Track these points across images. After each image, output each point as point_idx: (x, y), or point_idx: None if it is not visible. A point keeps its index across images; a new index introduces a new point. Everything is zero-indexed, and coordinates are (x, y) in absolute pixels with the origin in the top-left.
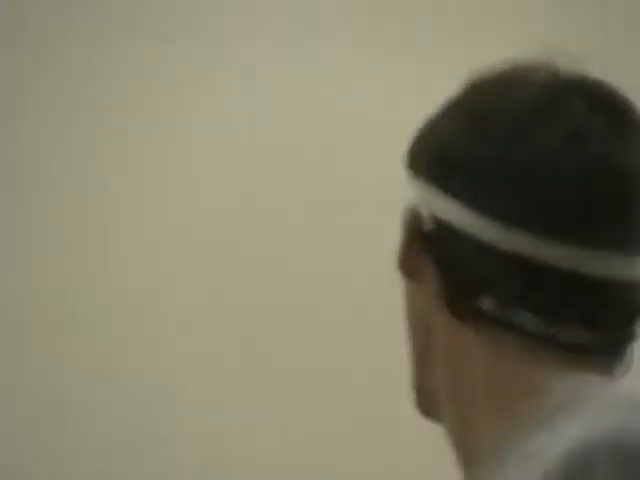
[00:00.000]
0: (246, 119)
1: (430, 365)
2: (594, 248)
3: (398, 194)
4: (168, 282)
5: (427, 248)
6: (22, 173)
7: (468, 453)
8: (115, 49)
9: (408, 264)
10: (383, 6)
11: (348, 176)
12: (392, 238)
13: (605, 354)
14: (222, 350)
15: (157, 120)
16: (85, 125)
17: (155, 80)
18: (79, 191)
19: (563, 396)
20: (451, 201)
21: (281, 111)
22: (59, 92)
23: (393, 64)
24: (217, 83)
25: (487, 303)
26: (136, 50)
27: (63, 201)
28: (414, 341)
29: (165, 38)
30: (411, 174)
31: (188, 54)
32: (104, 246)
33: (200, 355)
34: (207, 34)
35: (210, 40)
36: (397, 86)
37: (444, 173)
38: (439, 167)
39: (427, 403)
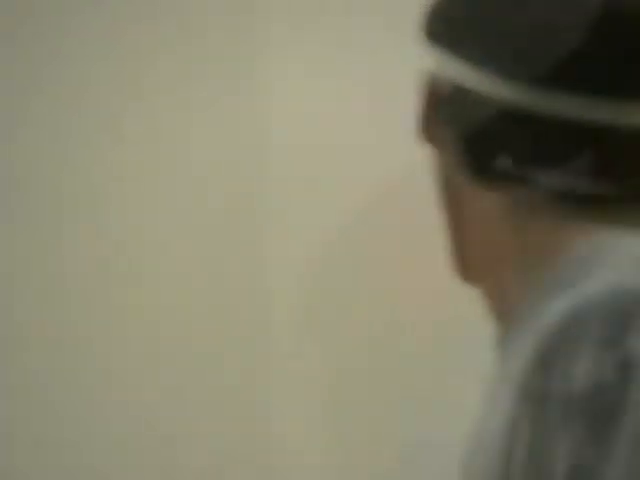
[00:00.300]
0: (247, 120)
1: (463, 233)
2: (605, 96)
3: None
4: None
5: (445, 114)
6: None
7: (500, 312)
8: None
9: (429, 131)
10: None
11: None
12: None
13: (629, 204)
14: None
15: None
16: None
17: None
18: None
19: (584, 253)
20: (466, 64)
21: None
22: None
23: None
24: (216, 82)
25: (504, 162)
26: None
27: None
28: (446, 212)
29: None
30: (428, 42)
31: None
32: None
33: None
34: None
35: (210, 38)
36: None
37: (460, 38)
38: (455, 32)
39: (465, 270)
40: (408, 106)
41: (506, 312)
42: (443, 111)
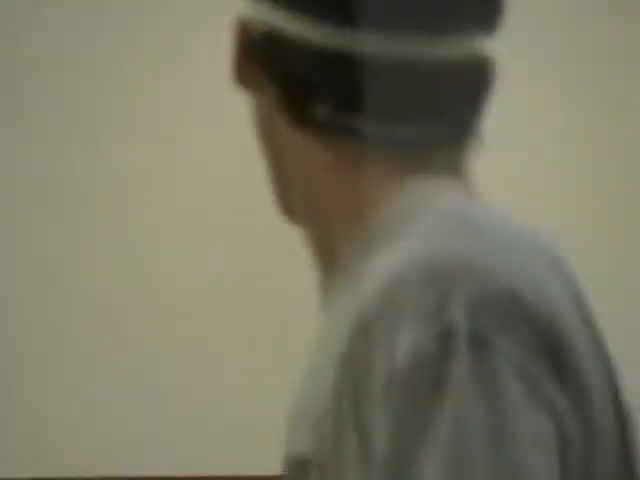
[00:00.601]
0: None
1: (284, 176)
2: (411, 34)
3: None
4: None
5: (259, 58)
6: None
7: (325, 260)
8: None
9: (244, 76)
10: None
11: None
12: None
13: (449, 145)
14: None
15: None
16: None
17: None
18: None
19: (406, 205)
20: (276, 6)
21: None
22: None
23: None
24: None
25: (321, 110)
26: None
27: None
28: (266, 155)
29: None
30: None
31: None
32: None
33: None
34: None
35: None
36: None
37: None
38: None
39: (287, 210)
40: None
41: (331, 261)
42: (257, 55)
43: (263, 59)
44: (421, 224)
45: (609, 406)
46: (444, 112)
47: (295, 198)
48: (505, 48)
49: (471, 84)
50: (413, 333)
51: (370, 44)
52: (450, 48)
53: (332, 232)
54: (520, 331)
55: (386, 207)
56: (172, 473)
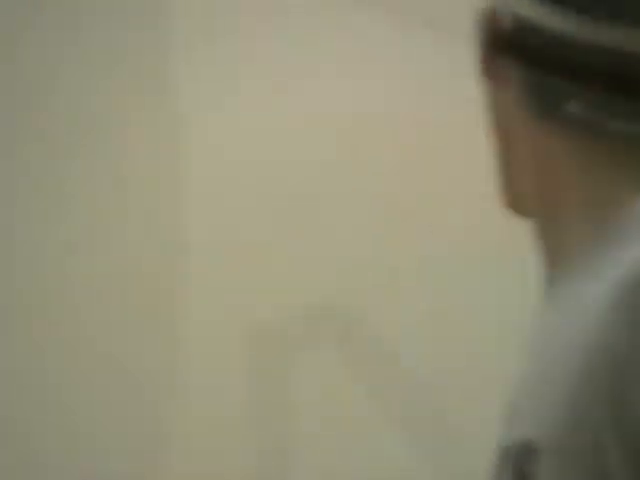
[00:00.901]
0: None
1: (515, 170)
2: None
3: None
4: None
5: (508, 50)
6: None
7: (553, 255)
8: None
9: (489, 68)
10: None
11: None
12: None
13: None
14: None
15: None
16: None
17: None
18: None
19: None
20: (536, 1)
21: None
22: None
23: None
24: (234, 83)
25: (574, 107)
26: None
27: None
28: (498, 149)
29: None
30: None
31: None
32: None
33: None
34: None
35: (226, 40)
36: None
37: None
38: None
39: (514, 205)
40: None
41: (558, 256)
42: (508, 47)
43: (516, 52)
44: None
45: None
46: None
47: (525, 191)
48: None
49: None
50: None
51: (634, 42)
52: None
53: (564, 227)
54: None
55: (625, 209)
56: (173, 477)
